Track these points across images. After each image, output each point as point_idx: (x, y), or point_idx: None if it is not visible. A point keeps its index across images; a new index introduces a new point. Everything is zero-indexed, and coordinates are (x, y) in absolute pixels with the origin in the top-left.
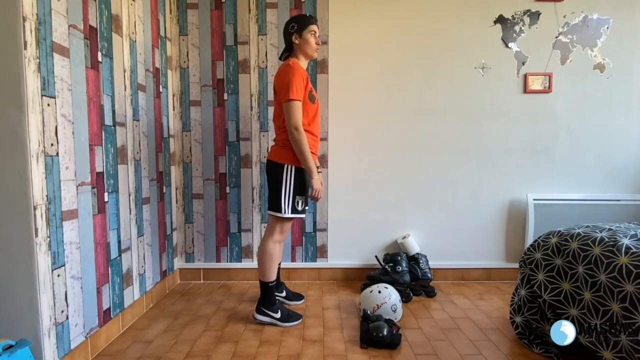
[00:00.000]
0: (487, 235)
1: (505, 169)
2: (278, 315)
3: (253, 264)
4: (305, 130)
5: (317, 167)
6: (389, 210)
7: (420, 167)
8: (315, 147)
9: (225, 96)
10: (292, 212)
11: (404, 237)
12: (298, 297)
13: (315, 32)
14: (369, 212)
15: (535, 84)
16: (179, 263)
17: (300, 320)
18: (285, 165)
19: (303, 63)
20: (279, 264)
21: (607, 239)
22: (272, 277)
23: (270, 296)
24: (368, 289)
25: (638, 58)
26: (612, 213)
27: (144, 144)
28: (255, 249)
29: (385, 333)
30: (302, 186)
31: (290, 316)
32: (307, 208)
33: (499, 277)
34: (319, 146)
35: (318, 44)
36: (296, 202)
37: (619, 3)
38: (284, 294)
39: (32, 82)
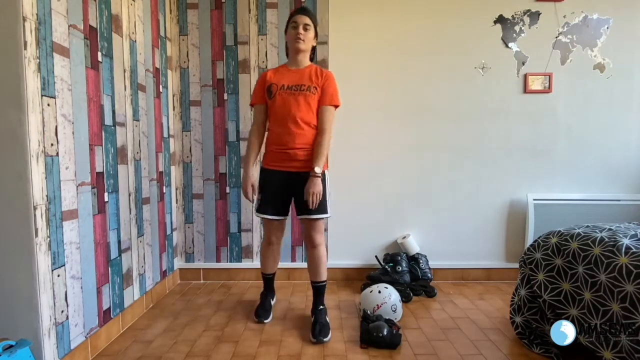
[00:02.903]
0: (487, 235)
1: (505, 169)
2: (259, 303)
3: (253, 264)
4: (268, 129)
5: (326, 165)
6: (389, 210)
7: (420, 167)
8: (282, 141)
9: (225, 96)
10: (256, 210)
11: (404, 237)
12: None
13: (296, 22)
14: (369, 212)
15: (535, 84)
16: (179, 263)
17: (260, 320)
18: None
19: (291, 62)
20: (272, 273)
21: (607, 239)
22: (264, 270)
23: (264, 285)
24: (368, 289)
25: (638, 58)
26: (612, 213)
27: (144, 144)
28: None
29: (385, 333)
30: (260, 185)
31: (260, 311)
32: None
33: (499, 277)
34: (292, 140)
35: (298, 33)
36: (258, 199)
37: (619, 3)
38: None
39: (32, 82)
